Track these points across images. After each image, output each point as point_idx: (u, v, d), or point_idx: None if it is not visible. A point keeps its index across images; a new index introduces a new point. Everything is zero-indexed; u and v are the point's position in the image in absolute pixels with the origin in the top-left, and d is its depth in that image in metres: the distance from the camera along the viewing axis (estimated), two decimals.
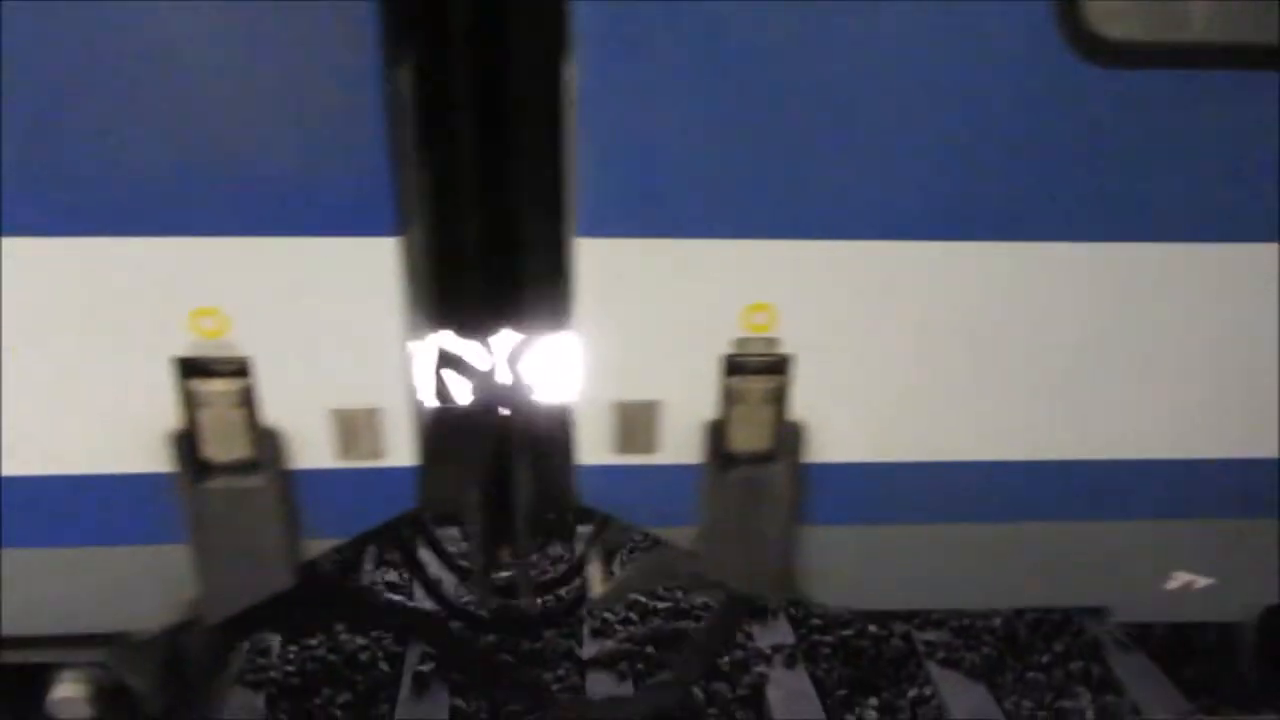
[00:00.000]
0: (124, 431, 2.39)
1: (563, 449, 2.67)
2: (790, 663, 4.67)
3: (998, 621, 4.95)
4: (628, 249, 2.28)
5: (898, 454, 2.58)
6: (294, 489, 2.48)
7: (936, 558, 2.74)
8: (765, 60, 2.13)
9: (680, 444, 2.50)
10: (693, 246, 2.29)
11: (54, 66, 2.04)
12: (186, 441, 2.39)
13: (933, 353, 2.46)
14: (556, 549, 5.29)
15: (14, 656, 2.77)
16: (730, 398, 2.45)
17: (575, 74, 2.15)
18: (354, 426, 2.42)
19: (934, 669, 4.66)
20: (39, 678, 2.86)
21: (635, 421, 2.46)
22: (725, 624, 3.57)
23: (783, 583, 2.73)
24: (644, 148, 2.19)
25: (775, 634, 4.87)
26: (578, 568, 4.29)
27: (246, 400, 2.36)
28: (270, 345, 2.32)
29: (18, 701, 2.95)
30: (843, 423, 2.53)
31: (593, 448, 2.51)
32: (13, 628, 2.64)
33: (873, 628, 4.93)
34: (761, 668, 4.67)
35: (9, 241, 2.17)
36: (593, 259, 2.29)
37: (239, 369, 2.34)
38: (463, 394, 3.11)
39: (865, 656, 4.80)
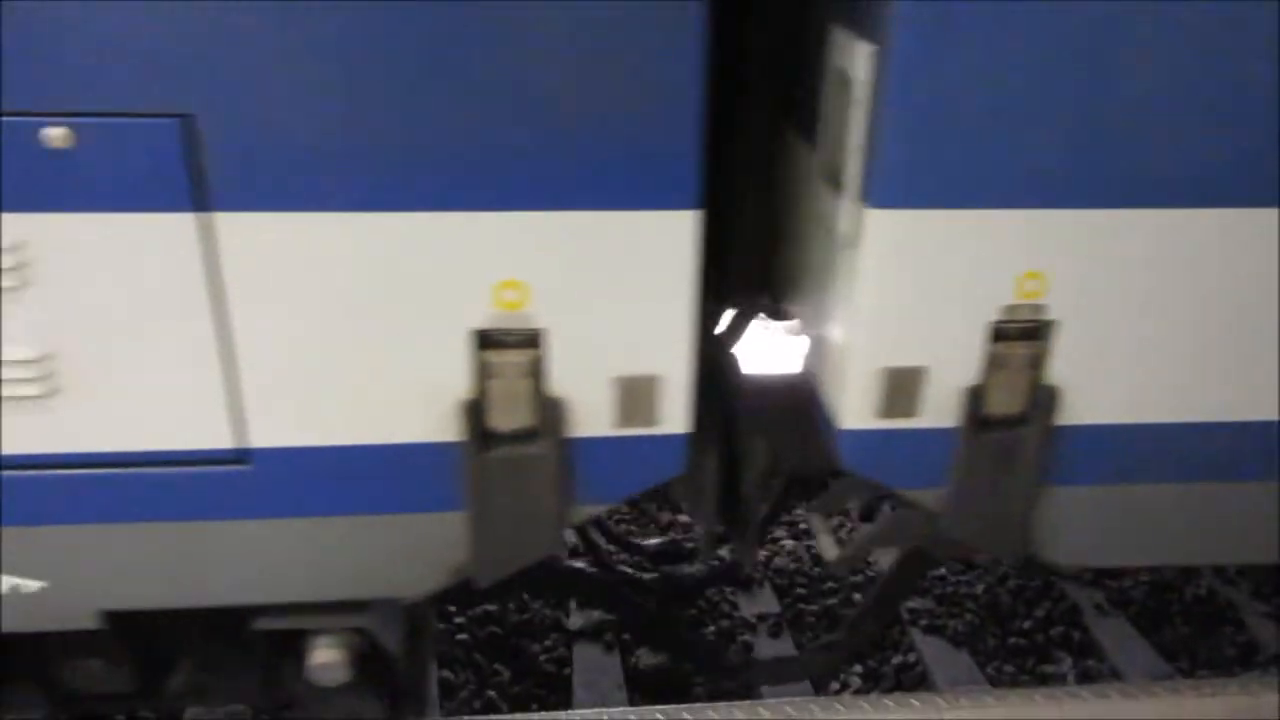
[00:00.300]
0: (417, 402, 2.44)
1: (816, 415, 2.77)
2: (775, 631, 4.68)
3: (980, 589, 5.01)
4: (918, 220, 2.36)
5: (1149, 415, 2.65)
6: (570, 456, 2.54)
7: (1179, 516, 2.82)
8: (1064, 36, 2.21)
9: (939, 408, 2.58)
10: (978, 216, 2.37)
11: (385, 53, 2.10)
12: (475, 411, 2.44)
13: (1192, 316, 2.53)
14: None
15: (276, 623, 2.82)
16: (993, 363, 2.53)
17: (866, 55, 2.26)
18: (634, 394, 2.50)
19: (918, 636, 4.70)
20: (293, 644, 2.91)
21: (901, 387, 2.54)
22: (897, 588, 3.63)
23: (1022, 543, 2.80)
24: (943, 124, 2.27)
25: (760, 603, 4.90)
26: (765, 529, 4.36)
27: (535, 370, 2.43)
28: (564, 316, 2.39)
29: (275, 667, 3.02)
30: (1096, 385, 2.58)
31: (856, 412, 2.57)
32: (270, 595, 2.70)
33: (856, 596, 4.97)
34: (747, 636, 4.67)
35: (319, 217, 2.21)
36: (882, 230, 2.36)
37: (530, 340, 2.39)
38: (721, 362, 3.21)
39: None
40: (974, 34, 2.19)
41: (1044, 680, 4.46)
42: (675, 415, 2.54)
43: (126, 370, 2.32)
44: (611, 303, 2.39)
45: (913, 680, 4.45)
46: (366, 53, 2.09)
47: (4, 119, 2.06)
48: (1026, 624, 4.78)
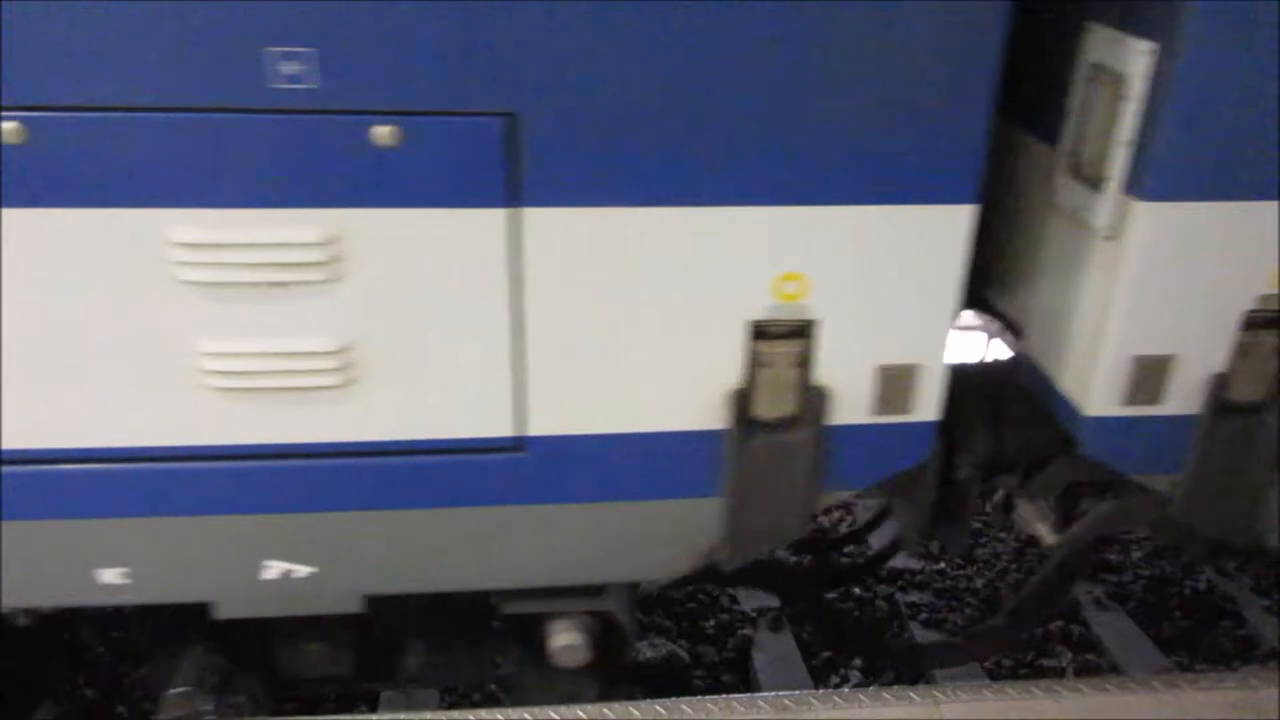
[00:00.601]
0: (688, 392, 2.53)
1: (1045, 402, 2.85)
2: (776, 625, 4.68)
3: (979, 583, 5.01)
4: (1185, 212, 2.41)
5: None
6: (827, 443, 2.61)
7: None
8: None
9: (1183, 395, 2.64)
10: (1242, 208, 2.41)
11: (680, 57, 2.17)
12: (742, 400, 2.52)
13: None
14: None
15: (524, 607, 2.92)
16: (1240, 351, 2.60)
17: (1144, 52, 2.30)
18: (894, 383, 2.57)
19: (917, 630, 4.72)
20: (532, 627, 3.01)
21: (1149, 375, 2.61)
22: (1066, 573, 3.67)
23: (1251, 528, 2.88)
24: (1218, 118, 2.31)
25: (760, 597, 4.90)
26: (879, 518, 4.43)
27: (803, 360, 2.51)
28: (838, 307, 2.46)
29: (518, 648, 3.12)
30: None
31: (1102, 399, 2.63)
32: (523, 579, 2.78)
33: (857, 590, 4.97)
34: (747, 630, 4.65)
35: (616, 211, 2.29)
36: (1149, 222, 2.41)
37: (802, 330, 2.47)
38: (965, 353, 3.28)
39: (849, 618, 4.85)
40: (1264, 32, 2.23)
41: (1043, 674, 4.48)
42: (928, 403, 2.62)
43: (423, 361, 2.40)
44: (883, 294, 2.46)
45: (912, 675, 4.46)
46: (678, 55, 2.16)
47: (336, 117, 2.13)
48: None
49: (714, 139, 2.24)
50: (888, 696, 2.94)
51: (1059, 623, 4.74)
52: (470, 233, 2.27)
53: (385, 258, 2.27)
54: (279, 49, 2.04)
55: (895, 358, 2.55)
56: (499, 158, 2.19)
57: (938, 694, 2.94)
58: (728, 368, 2.51)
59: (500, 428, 2.51)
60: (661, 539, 2.74)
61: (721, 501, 2.67)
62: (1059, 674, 4.47)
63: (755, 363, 2.50)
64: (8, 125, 2.04)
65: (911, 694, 2.95)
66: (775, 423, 2.57)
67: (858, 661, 4.50)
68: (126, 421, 2.38)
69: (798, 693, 3.17)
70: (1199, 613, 4.87)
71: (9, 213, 2.13)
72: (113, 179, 2.12)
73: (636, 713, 2.86)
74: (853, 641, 4.22)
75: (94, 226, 2.16)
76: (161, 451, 2.43)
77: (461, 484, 2.57)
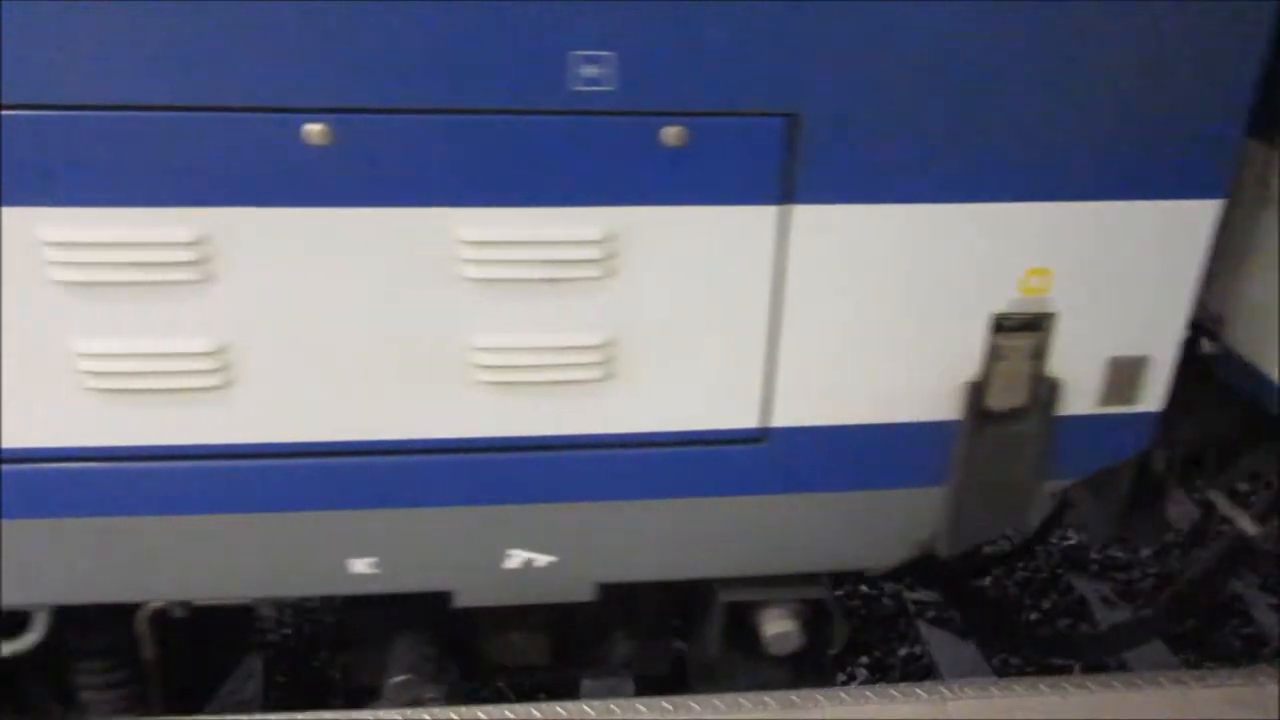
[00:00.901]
0: (927, 383, 2.60)
1: (1262, 394, 2.89)
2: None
3: (987, 580, 5.01)
4: None
5: None
6: (1053, 434, 2.68)
7: None
8: None
9: None
10: None
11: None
12: (978, 391, 2.59)
13: None
14: None
15: (740, 595, 3.00)
16: None
17: None
18: (1123, 374, 2.64)
19: (924, 627, 4.72)
20: (746, 614, 3.08)
21: None
22: (1224, 564, 3.75)
23: None
24: None
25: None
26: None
27: (1039, 352, 2.58)
28: (1078, 300, 2.54)
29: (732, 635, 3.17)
30: None
31: None
32: (745, 567, 2.89)
33: (864, 588, 4.98)
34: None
35: (878, 209, 2.36)
36: None
37: (1039, 323, 2.55)
38: None
39: (856, 616, 4.85)
40: None
41: (1050, 672, 4.47)
42: (1154, 394, 2.69)
43: (681, 354, 2.49)
44: (1121, 287, 2.52)
45: (919, 671, 4.47)
46: (950, 53, 2.22)
47: (630, 118, 2.20)
48: (1033, 615, 4.79)
49: (978, 136, 2.31)
50: (895, 694, 2.94)
51: (1067, 620, 4.74)
52: (741, 229, 2.35)
53: (657, 254, 2.36)
54: (582, 52, 2.12)
55: (1127, 349, 2.62)
56: (778, 157, 2.28)
57: (944, 691, 2.94)
58: (967, 359, 2.58)
59: (746, 419, 2.59)
60: (885, 528, 2.83)
61: (946, 491, 2.75)
62: (1068, 673, 4.47)
63: (994, 355, 2.57)
64: (316, 128, 2.11)
65: (919, 691, 2.95)
66: (1006, 413, 2.64)
67: (865, 659, 4.51)
68: (398, 415, 2.47)
69: (804, 690, 3.18)
70: (1207, 611, 4.86)
71: (314, 212, 2.21)
72: (410, 179, 2.21)
73: (644, 709, 2.87)
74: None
75: (391, 225, 2.24)
76: (428, 444, 2.52)
77: (702, 475, 2.66)
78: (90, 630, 3.03)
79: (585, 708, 2.87)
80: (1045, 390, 2.62)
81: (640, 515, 2.71)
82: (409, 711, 2.83)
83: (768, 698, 2.93)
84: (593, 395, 2.51)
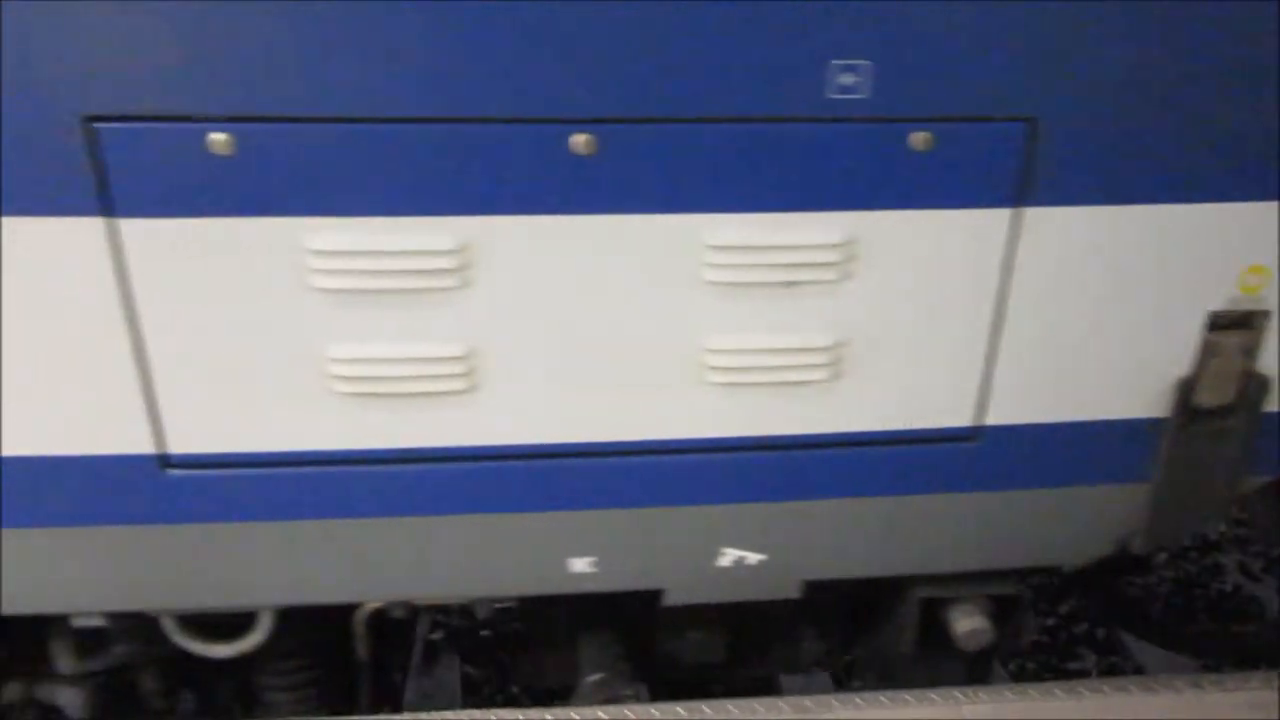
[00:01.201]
0: (1138, 381, 2.61)
1: None
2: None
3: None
4: None
5: None
6: (1260, 430, 2.70)
7: None
8: None
9: None
10: None
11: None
12: (1187, 388, 2.60)
13: None
14: None
15: (936, 590, 3.01)
16: None
17: None
18: None
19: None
20: (936, 610, 3.08)
21: None
22: None
23: None
24: None
25: None
26: None
27: (1251, 350, 2.59)
28: None
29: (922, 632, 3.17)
30: None
31: None
32: (941, 564, 2.91)
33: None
34: None
35: (1110, 210, 2.38)
36: None
37: (1253, 320, 2.56)
38: None
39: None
40: None
41: (1067, 677, 4.45)
42: None
43: (905, 354, 2.52)
44: None
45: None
46: (1184, 55, 2.23)
47: (882, 125, 2.25)
48: (1050, 621, 4.77)
49: (1205, 137, 2.32)
50: (908, 698, 2.94)
51: (1083, 625, 4.71)
52: (975, 232, 2.39)
53: (892, 257, 2.39)
54: (841, 61, 2.17)
55: None
56: (1017, 160, 2.31)
57: (959, 695, 2.93)
58: (1180, 357, 2.59)
59: (961, 418, 2.62)
60: (1085, 525, 2.84)
61: (1148, 488, 2.75)
62: (1084, 677, 4.44)
63: (1207, 352, 2.57)
64: (582, 138, 2.19)
65: (933, 695, 2.95)
66: (1213, 410, 2.64)
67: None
68: (628, 416, 2.53)
69: (819, 695, 3.17)
70: (1225, 615, 4.83)
71: (573, 219, 2.28)
72: (668, 187, 2.26)
73: (656, 713, 2.87)
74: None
75: (644, 231, 2.31)
76: (654, 444, 2.56)
77: (913, 473, 2.68)
78: (301, 631, 3.07)
79: (599, 712, 2.88)
80: (1254, 388, 2.63)
81: (850, 513, 2.73)
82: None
83: (782, 702, 2.93)
84: (817, 396, 2.54)
